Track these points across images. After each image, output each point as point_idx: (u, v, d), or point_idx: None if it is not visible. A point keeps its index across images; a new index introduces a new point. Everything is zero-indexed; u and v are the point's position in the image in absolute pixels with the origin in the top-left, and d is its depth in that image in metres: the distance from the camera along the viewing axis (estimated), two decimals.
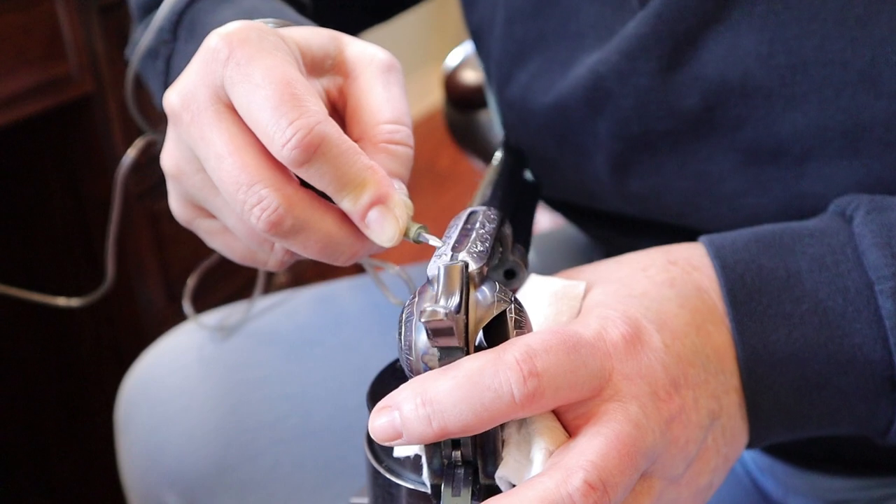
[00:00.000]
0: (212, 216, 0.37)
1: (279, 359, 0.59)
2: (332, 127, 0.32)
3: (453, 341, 0.29)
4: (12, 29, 0.72)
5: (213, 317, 0.62)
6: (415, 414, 0.28)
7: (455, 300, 0.28)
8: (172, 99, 0.34)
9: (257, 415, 0.57)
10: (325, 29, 0.38)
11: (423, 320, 0.27)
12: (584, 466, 0.28)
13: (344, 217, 0.34)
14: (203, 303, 1.05)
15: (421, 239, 0.34)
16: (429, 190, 2.32)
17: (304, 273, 1.22)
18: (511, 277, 0.37)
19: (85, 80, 0.80)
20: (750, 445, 0.36)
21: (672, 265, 0.36)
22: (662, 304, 0.34)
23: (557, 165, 0.49)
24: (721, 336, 0.34)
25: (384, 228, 0.33)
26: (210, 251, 0.41)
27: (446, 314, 0.27)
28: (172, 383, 0.58)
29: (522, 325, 0.30)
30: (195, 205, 0.37)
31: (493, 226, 0.33)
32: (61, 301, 0.81)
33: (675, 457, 0.31)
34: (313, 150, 0.31)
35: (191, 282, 0.61)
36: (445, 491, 0.29)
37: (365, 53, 0.37)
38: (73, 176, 0.90)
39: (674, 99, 0.41)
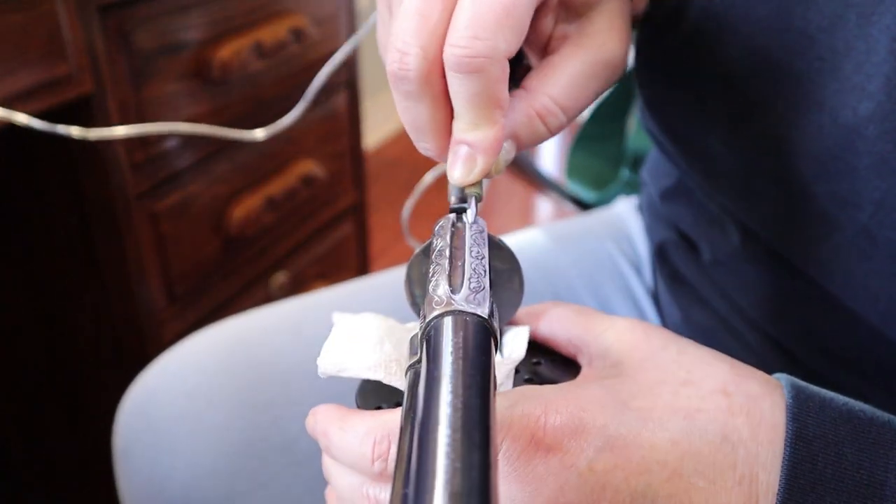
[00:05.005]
0: None
1: (288, 378, 0.56)
2: (502, 68, 0.32)
3: None
4: (12, 29, 0.72)
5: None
6: None
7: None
8: None
9: (268, 438, 0.54)
10: None
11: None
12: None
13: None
14: (202, 303, 1.04)
15: (467, 199, 0.35)
16: (429, 189, 2.32)
17: (305, 273, 1.22)
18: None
19: (85, 80, 0.80)
20: None
21: (722, 396, 0.29)
22: (649, 431, 0.28)
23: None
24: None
25: (456, 168, 0.34)
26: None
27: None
28: (176, 409, 0.56)
29: None
30: None
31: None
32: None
33: None
34: (475, 69, 0.31)
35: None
36: None
37: (608, 31, 0.36)
38: (73, 176, 0.89)
39: None
